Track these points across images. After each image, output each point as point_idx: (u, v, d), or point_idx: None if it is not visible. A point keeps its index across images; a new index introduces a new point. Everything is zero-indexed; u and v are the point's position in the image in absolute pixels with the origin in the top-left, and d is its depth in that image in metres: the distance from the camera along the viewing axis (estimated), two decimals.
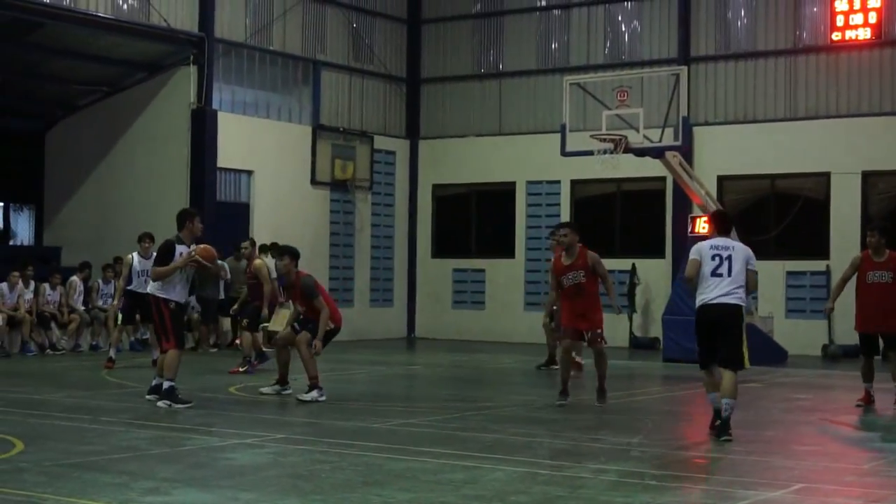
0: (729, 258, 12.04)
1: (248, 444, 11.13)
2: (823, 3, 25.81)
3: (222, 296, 23.70)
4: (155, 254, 18.05)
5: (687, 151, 24.02)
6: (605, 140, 22.21)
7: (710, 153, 26.37)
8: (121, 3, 23.85)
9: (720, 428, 11.83)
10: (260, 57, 26.95)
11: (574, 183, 28.04)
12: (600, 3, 28.31)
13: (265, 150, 26.46)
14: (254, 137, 26.25)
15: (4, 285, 22.17)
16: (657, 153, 22.50)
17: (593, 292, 14.54)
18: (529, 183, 28.81)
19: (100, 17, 23.36)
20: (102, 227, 25.68)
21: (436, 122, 30.51)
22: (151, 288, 14.35)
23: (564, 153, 23.47)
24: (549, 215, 28.34)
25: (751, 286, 12.37)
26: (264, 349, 19.58)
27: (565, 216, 28.16)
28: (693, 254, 12.29)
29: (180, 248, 14.24)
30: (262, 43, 26.87)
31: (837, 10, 25.52)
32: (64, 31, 23.66)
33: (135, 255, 19.17)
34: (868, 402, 14.94)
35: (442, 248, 30.31)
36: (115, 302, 21.13)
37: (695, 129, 25.94)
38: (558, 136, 23.61)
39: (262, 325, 23.87)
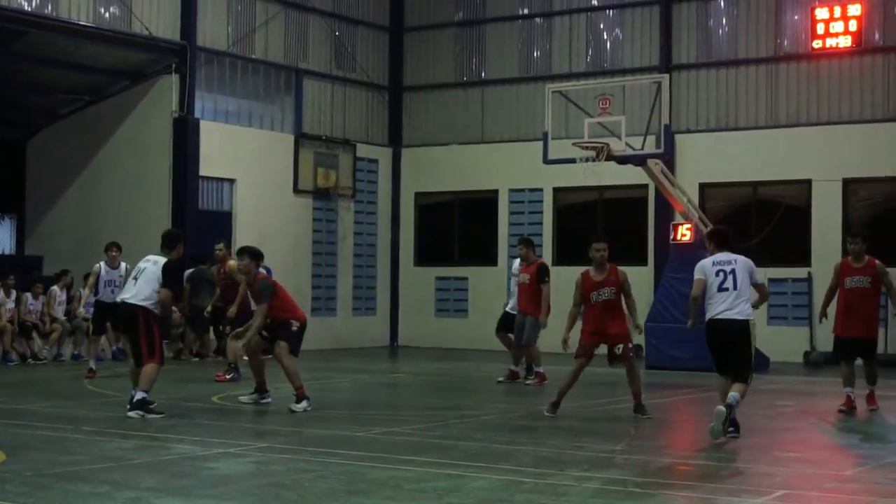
0: (733, 272, 12.43)
1: (232, 454, 11.11)
2: (804, 11, 25.93)
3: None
4: (124, 264, 18.13)
5: (669, 159, 24.08)
6: (587, 148, 22.26)
7: (692, 161, 26.45)
8: (103, 11, 23.82)
9: (725, 423, 12.13)
10: (242, 65, 26.94)
11: (556, 190, 28.08)
12: (582, 11, 28.39)
13: (247, 159, 26.44)
14: (236, 146, 26.23)
15: None
16: (639, 161, 22.56)
17: (621, 309, 14.48)
18: (512, 191, 28.84)
19: (82, 25, 23.33)
20: (84, 237, 25.60)
21: (418, 130, 30.53)
22: (140, 300, 13.91)
23: (547, 161, 23.52)
24: (532, 223, 28.40)
25: (763, 297, 13.03)
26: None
27: (548, 224, 28.25)
28: (698, 273, 12.67)
29: None
30: (244, 51, 26.86)
31: (818, 18, 25.63)
32: (46, 40, 23.61)
33: (102, 264, 19.15)
34: (850, 407, 15.05)
35: (425, 256, 30.31)
36: (81, 310, 21.17)
37: (677, 136, 26.00)
38: (541, 143, 23.68)
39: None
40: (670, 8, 27.18)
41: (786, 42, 26.27)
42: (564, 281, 27.43)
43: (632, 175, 24.45)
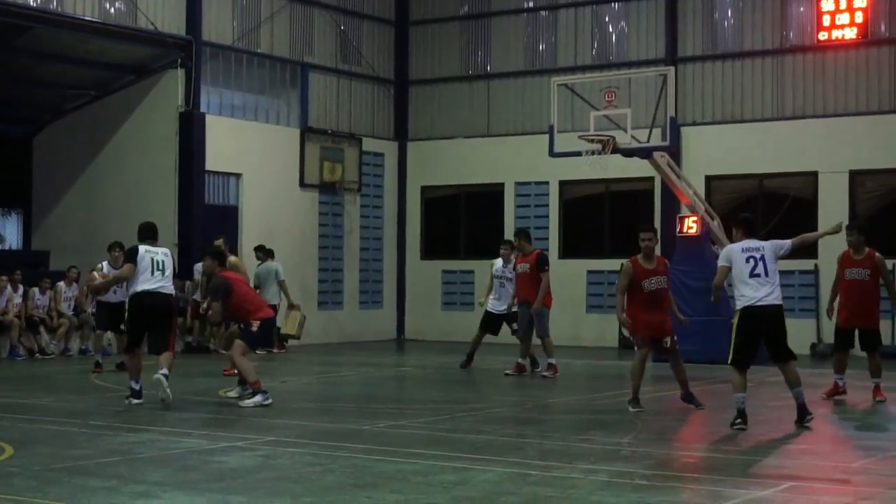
0: (762, 258, 12.57)
1: (239, 447, 11.12)
2: (810, 3, 25.88)
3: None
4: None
5: (675, 152, 24.07)
6: (593, 141, 22.23)
7: (698, 153, 26.43)
8: (108, 6, 23.83)
9: (801, 413, 12.56)
10: (248, 60, 26.94)
11: (562, 184, 28.07)
12: (587, 4, 28.36)
13: (253, 153, 26.45)
14: (242, 140, 26.23)
15: None
16: (645, 153, 22.53)
17: (668, 299, 14.55)
18: (518, 184, 28.83)
19: (87, 20, 23.34)
20: (91, 231, 25.63)
21: (424, 124, 30.52)
22: (172, 290, 14.83)
23: (552, 154, 23.50)
24: (538, 216, 28.41)
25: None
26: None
27: (554, 217, 28.25)
28: (722, 261, 12.78)
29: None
30: (249, 45, 26.86)
31: (824, 9, 25.59)
32: (51, 36, 23.62)
33: (105, 263, 19.22)
34: (835, 393, 15.49)
35: (431, 250, 30.32)
36: (88, 309, 21.33)
37: (682, 129, 25.99)
38: (546, 137, 23.64)
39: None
40: (675, 0, 27.14)
41: (791, 34, 26.23)
42: (570, 273, 27.70)
43: (638, 168, 24.42)
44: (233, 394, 15.45)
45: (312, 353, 24.21)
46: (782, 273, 24.35)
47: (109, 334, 21.17)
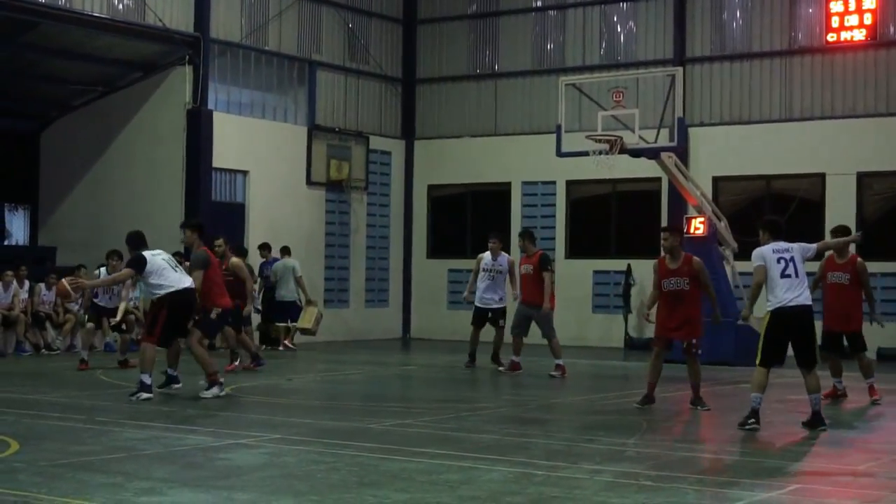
0: (792, 259, 12.63)
1: (244, 445, 11.12)
2: (819, 4, 25.84)
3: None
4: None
5: (682, 152, 24.03)
6: (600, 141, 22.21)
7: (706, 154, 26.40)
8: (116, 2, 23.83)
9: (815, 420, 12.57)
10: (255, 57, 26.93)
11: (569, 183, 28.05)
12: (596, 3, 28.33)
13: (260, 151, 26.45)
14: (249, 137, 26.23)
15: None
16: (653, 154, 22.51)
17: (695, 301, 14.41)
18: (525, 183, 28.81)
19: (95, 16, 23.34)
20: (97, 228, 25.63)
21: (431, 123, 30.51)
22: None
23: (560, 154, 23.49)
24: (545, 216, 28.40)
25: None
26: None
27: (561, 217, 28.25)
28: (758, 260, 12.74)
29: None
30: (257, 43, 26.86)
31: (833, 11, 25.55)
32: (59, 31, 23.63)
33: (103, 270, 19.29)
34: (832, 396, 15.57)
35: (437, 249, 30.31)
36: (82, 311, 21.35)
37: (690, 129, 25.95)
38: (554, 136, 23.64)
39: (291, 324, 24.32)
40: (684, 1, 27.11)
41: (800, 35, 26.19)
42: (577, 273, 27.70)
43: (645, 168, 24.39)
44: (209, 393, 15.28)
45: (318, 351, 24.21)
46: None
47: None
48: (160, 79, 25.56)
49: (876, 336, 23.87)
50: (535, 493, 8.90)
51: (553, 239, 28.13)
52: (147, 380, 14.72)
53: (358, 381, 19.20)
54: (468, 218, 29.80)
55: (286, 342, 24.41)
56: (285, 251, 24.98)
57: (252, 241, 25.67)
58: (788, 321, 12.53)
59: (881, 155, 24.84)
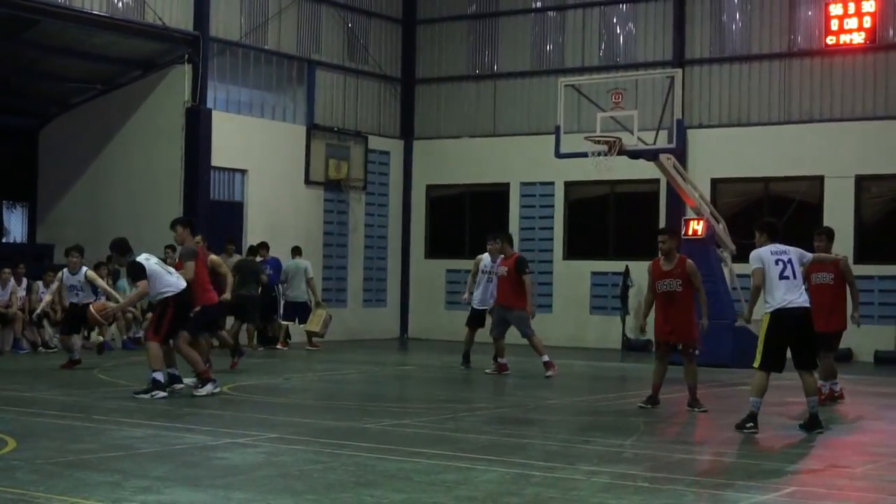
0: (790, 261, 12.66)
1: (241, 444, 11.12)
2: (818, 7, 25.86)
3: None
4: (85, 269, 18.61)
5: (681, 154, 24.05)
6: (599, 142, 22.24)
7: (704, 156, 26.41)
8: (116, 1, 23.84)
9: (811, 423, 12.56)
10: (255, 56, 26.94)
11: (568, 184, 28.07)
12: (595, 4, 28.35)
13: (259, 150, 26.46)
14: (248, 136, 26.24)
15: None
16: (651, 155, 22.53)
17: (688, 303, 14.43)
18: (523, 184, 28.83)
19: (95, 14, 23.35)
20: (96, 226, 25.62)
21: (430, 123, 30.52)
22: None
23: (559, 155, 23.52)
24: (543, 216, 28.41)
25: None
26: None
27: (559, 218, 28.26)
28: (756, 262, 12.73)
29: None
30: (256, 42, 26.86)
31: (832, 14, 25.58)
32: (59, 29, 23.63)
33: (65, 270, 19.02)
34: (829, 398, 15.55)
35: (435, 249, 30.32)
36: (46, 308, 20.92)
37: (689, 131, 25.97)
38: (552, 137, 23.67)
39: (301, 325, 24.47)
40: (684, 2, 27.15)
41: (799, 38, 26.22)
42: (574, 274, 27.72)
43: (643, 170, 24.40)
44: (200, 391, 15.28)
45: (315, 351, 24.21)
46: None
47: (114, 329, 21.19)
48: (159, 77, 25.58)
49: (872, 340, 24.00)
50: (532, 495, 8.90)
51: (551, 240, 28.15)
52: (160, 377, 14.81)
53: (356, 380, 19.20)
54: (467, 218, 29.81)
55: (309, 345, 24.43)
56: (296, 251, 25.08)
57: (251, 239, 25.69)
58: (788, 323, 12.52)
59: (880, 158, 24.86)
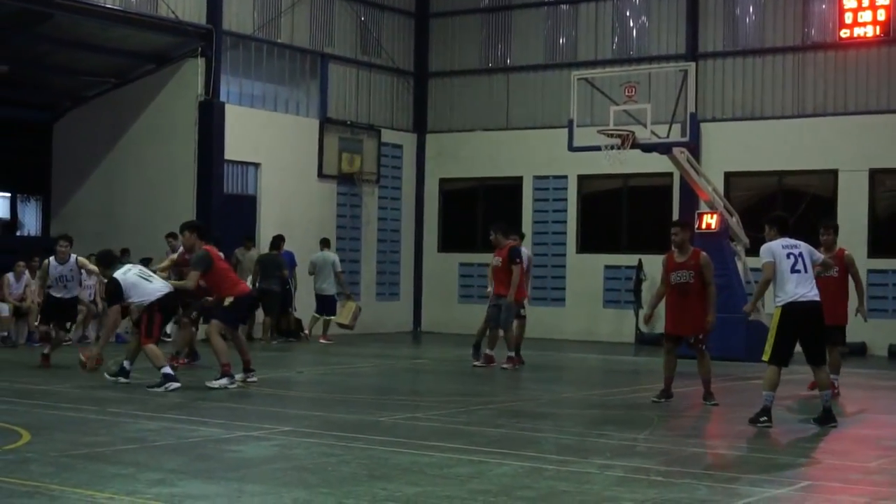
0: (800, 255, 12.64)
1: (255, 437, 11.14)
2: (832, 0, 25.77)
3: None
4: (74, 256, 18.05)
5: (694, 147, 24.00)
6: (612, 135, 22.20)
7: (718, 149, 26.35)
8: None
9: (825, 417, 12.54)
10: (268, 49, 26.95)
11: (581, 178, 28.03)
12: None
13: (272, 143, 26.47)
14: (261, 130, 26.26)
15: (11, 276, 22.26)
16: (664, 149, 22.49)
17: (700, 295, 14.38)
18: (536, 178, 28.81)
19: (108, 8, 23.37)
20: (110, 218, 25.69)
21: (443, 117, 30.50)
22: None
23: (572, 148, 23.48)
24: (556, 210, 28.39)
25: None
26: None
27: (572, 212, 28.23)
28: (767, 256, 12.73)
29: None
30: (269, 35, 26.86)
31: (846, 7, 25.48)
32: (72, 23, 23.66)
33: (51, 259, 18.18)
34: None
35: (448, 242, 30.32)
36: (39, 299, 20.11)
37: (702, 125, 25.88)
38: (565, 131, 23.64)
39: (328, 318, 24.46)
40: None
41: (813, 31, 26.14)
42: (588, 268, 27.70)
43: (657, 163, 24.38)
44: (235, 383, 15.38)
45: (329, 344, 24.23)
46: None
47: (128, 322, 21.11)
48: (172, 71, 25.59)
49: (886, 334, 23.95)
50: (545, 488, 8.90)
51: (564, 233, 28.13)
52: (169, 370, 14.94)
53: (369, 374, 19.21)
54: (479, 212, 29.79)
55: (322, 338, 24.47)
56: (325, 244, 25.24)
57: (264, 233, 25.74)
58: (800, 316, 12.50)
59: (894, 151, 24.77)
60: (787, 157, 25.81)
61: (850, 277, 15.82)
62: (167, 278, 16.20)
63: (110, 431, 11.27)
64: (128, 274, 15.29)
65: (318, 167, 27.61)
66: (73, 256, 18.20)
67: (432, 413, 13.36)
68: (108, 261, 15.95)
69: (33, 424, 11.50)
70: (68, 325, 18.87)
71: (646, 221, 27.36)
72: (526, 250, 20.75)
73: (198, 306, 17.51)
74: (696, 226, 22.66)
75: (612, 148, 22.19)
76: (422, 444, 10.83)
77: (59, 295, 18.03)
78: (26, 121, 27.87)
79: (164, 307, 15.33)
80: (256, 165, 26.39)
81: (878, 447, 11.74)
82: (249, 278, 24.14)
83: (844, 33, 25.54)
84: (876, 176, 25.17)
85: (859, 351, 23.40)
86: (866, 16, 25.26)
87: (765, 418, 12.38)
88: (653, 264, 26.32)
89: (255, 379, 15.66)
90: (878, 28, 25.18)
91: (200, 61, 25.00)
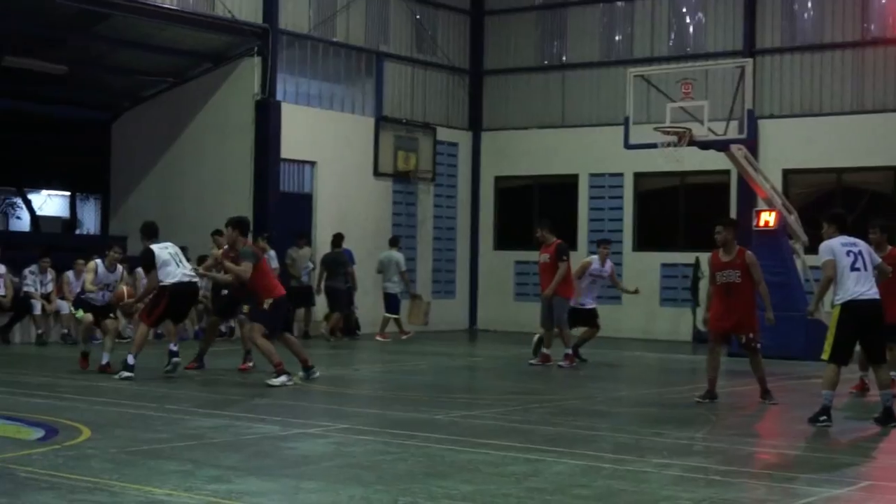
0: (860, 253, 12.54)
1: (311, 434, 11.18)
2: None
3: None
4: (121, 268, 17.64)
5: (752, 144, 23.80)
6: (668, 133, 22.09)
7: (776, 146, 26.13)
8: None
9: (886, 416, 12.36)
10: (323, 48, 27.04)
11: (637, 176, 27.89)
12: None
13: (328, 142, 26.56)
14: (317, 128, 26.35)
15: (71, 274, 22.45)
16: (722, 146, 22.34)
17: (748, 294, 14.30)
18: (592, 175, 28.70)
19: (166, 8, 23.55)
20: (167, 217, 25.71)
21: (498, 114, 30.47)
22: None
23: (628, 146, 23.37)
24: (612, 208, 28.27)
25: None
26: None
27: (628, 209, 28.10)
28: (827, 254, 12.61)
29: None
30: (325, 34, 26.95)
31: None
32: (130, 23, 23.86)
33: (99, 262, 17.50)
34: (860, 389, 15.52)
35: (504, 240, 30.28)
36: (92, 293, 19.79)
37: (760, 121, 25.67)
38: (621, 128, 23.52)
39: (387, 316, 24.62)
40: None
41: (873, 26, 25.84)
42: (645, 266, 27.56)
43: (714, 161, 24.20)
44: (300, 374, 15.53)
45: (384, 342, 24.27)
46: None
47: (123, 322, 21.35)
48: (229, 70, 25.75)
49: None
50: (602, 487, 8.87)
51: (621, 231, 28.00)
52: (132, 360, 15.65)
53: (425, 371, 19.22)
54: (535, 210, 29.71)
55: (378, 335, 24.55)
56: (393, 243, 25.47)
57: (320, 231, 25.85)
58: (860, 315, 12.36)
59: None
60: (846, 153, 25.54)
61: None
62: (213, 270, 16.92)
63: (169, 428, 11.35)
64: (164, 250, 16.13)
65: (374, 165, 27.67)
66: (120, 267, 17.74)
67: (488, 411, 13.35)
68: (150, 232, 16.59)
69: (94, 421, 11.61)
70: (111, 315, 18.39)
71: (703, 219, 27.02)
72: (602, 264, 20.45)
73: (227, 300, 17.50)
74: (755, 224, 22.51)
75: (668, 145, 22.07)
76: (478, 441, 10.83)
77: (98, 303, 17.39)
78: (85, 120, 28.17)
79: (173, 295, 15.92)
80: (312, 164, 26.49)
81: None
82: (304, 275, 24.32)
83: None
84: None
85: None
86: None
87: (824, 417, 12.26)
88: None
89: (317, 374, 15.77)
90: None
91: (257, 60, 25.14)
